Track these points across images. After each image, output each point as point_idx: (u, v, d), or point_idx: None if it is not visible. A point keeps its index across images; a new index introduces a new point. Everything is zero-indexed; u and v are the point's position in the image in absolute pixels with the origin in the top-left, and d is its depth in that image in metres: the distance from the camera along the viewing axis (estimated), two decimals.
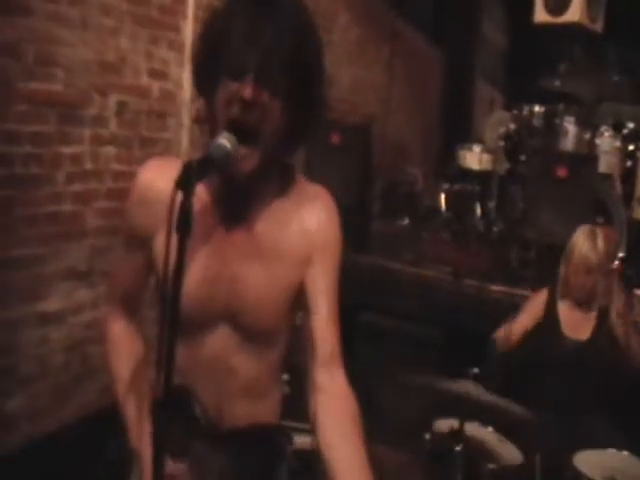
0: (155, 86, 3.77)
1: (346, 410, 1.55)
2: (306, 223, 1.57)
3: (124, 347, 1.75)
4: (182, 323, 1.36)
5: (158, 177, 1.53)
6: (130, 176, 3.58)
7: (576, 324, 3.41)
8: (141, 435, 1.64)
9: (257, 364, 1.60)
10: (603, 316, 3.37)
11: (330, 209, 1.61)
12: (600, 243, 3.28)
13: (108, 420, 3.56)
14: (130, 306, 1.74)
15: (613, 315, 3.35)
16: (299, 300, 1.59)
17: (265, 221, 1.54)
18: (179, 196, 1.26)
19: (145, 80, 3.69)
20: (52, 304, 3.26)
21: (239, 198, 1.51)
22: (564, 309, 3.44)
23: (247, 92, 1.35)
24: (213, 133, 1.42)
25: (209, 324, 1.56)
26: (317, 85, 1.52)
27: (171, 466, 1.56)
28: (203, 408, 1.60)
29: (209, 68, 1.42)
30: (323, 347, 1.56)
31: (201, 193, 1.47)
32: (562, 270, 3.40)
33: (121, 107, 3.54)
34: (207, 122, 1.47)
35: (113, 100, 3.49)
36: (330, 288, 1.58)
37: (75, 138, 3.28)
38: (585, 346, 3.34)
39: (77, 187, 3.32)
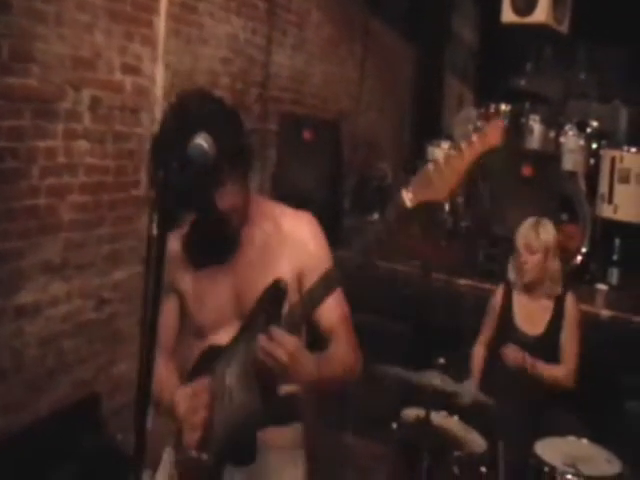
0: (128, 81, 3.79)
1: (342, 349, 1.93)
2: (292, 243, 1.94)
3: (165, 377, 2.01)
4: (202, 328, 1.97)
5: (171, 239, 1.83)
6: (103, 170, 3.65)
7: (530, 317, 3.53)
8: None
9: None
10: (558, 309, 3.49)
11: (312, 226, 2.00)
12: (542, 230, 3.48)
13: (82, 413, 3.61)
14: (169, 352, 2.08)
15: (569, 313, 3.47)
16: None
17: (256, 245, 1.94)
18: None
19: (119, 75, 3.71)
20: (27, 297, 3.27)
21: (230, 232, 1.89)
22: (518, 302, 3.57)
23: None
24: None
25: (223, 324, 1.94)
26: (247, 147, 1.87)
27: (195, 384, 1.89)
28: None
29: None
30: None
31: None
32: (513, 261, 3.56)
33: (95, 102, 3.55)
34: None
35: (87, 95, 3.50)
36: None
37: (49, 132, 3.30)
38: (538, 340, 3.47)
39: (51, 181, 3.34)
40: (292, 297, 1.87)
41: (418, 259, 4.98)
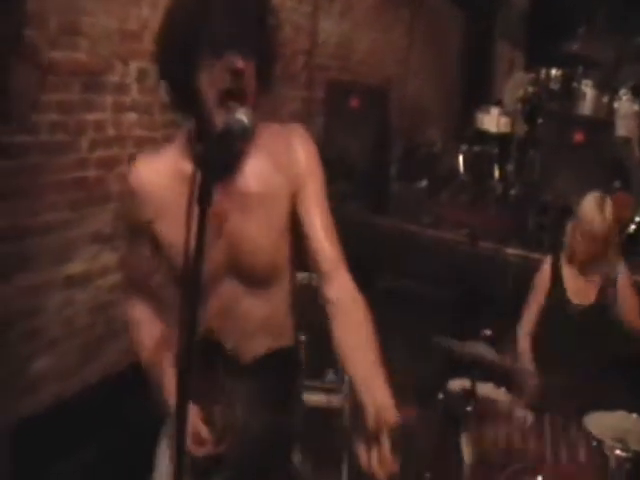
0: None
1: (356, 320, 1.66)
2: (283, 160, 1.71)
3: (145, 327, 1.92)
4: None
5: (149, 172, 1.71)
6: (152, 141, 3.67)
7: (580, 289, 3.47)
8: (171, 390, 1.70)
9: (266, 305, 1.77)
10: (607, 282, 3.43)
11: (303, 140, 1.76)
12: (608, 212, 3.32)
13: (130, 380, 3.69)
14: (144, 291, 1.90)
15: (620, 285, 3.41)
16: (296, 234, 1.73)
17: (248, 174, 1.68)
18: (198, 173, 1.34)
19: None
20: (77, 267, 3.34)
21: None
22: (568, 275, 3.50)
23: (239, 64, 1.53)
24: (197, 110, 1.60)
25: (218, 278, 1.70)
26: (275, 42, 1.66)
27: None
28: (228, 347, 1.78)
29: (182, 54, 1.57)
30: (324, 259, 1.69)
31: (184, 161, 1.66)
32: (568, 236, 3.47)
33: (142, 74, 3.58)
34: (177, 104, 1.66)
35: (134, 67, 3.53)
36: (320, 205, 1.72)
37: (98, 105, 3.34)
38: (589, 311, 3.41)
39: (100, 153, 3.38)
40: (284, 242, 1.72)
41: (466, 227, 4.94)
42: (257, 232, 1.68)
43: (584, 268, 3.45)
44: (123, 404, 3.45)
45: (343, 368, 1.66)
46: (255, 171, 1.69)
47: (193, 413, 1.72)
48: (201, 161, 1.37)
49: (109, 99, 3.40)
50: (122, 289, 2.00)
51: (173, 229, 1.62)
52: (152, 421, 3.53)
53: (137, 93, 3.57)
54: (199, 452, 1.74)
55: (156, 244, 1.74)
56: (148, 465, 3.31)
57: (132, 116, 3.55)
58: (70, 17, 3.12)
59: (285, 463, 1.86)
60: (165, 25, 1.64)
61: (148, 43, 3.58)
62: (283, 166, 1.70)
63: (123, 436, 3.35)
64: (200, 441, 1.74)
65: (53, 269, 3.22)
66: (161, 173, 1.70)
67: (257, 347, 1.80)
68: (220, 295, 1.73)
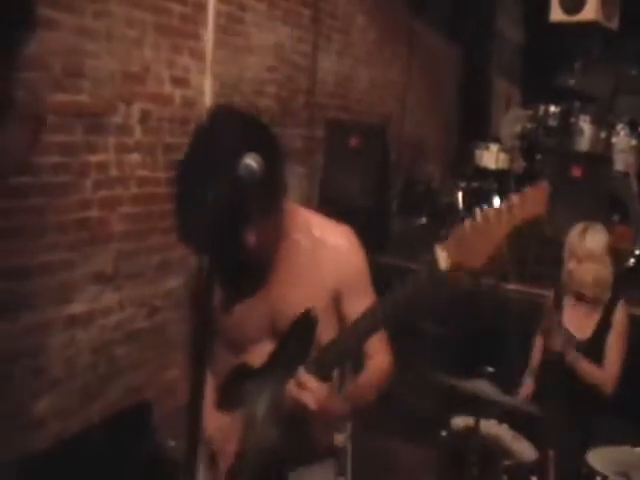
0: (177, 93, 3.86)
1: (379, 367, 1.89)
2: (330, 256, 1.86)
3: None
4: (236, 344, 1.91)
5: None
6: (154, 182, 3.71)
7: (579, 322, 3.49)
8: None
9: None
10: (607, 315, 3.44)
11: (354, 247, 1.91)
12: (589, 237, 3.41)
13: (133, 420, 3.68)
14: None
15: (615, 322, 3.42)
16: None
17: (293, 258, 1.85)
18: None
19: (167, 88, 3.78)
20: (80, 307, 3.35)
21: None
22: (568, 305, 3.53)
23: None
24: None
25: (258, 341, 1.89)
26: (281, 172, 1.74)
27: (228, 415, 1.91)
28: None
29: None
30: (370, 350, 1.88)
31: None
32: (564, 268, 3.53)
33: (145, 115, 3.63)
34: None
35: (137, 108, 3.58)
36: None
37: (101, 146, 3.38)
38: (585, 344, 3.42)
39: (103, 193, 3.42)
40: (328, 319, 1.84)
41: None
42: (298, 303, 1.79)
43: (579, 297, 3.48)
44: (125, 443, 3.44)
45: None
46: (298, 251, 1.85)
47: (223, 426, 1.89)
48: (210, 207, 1.44)
49: (112, 140, 3.45)
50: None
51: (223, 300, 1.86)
52: (156, 462, 3.53)
53: (140, 134, 3.61)
54: (226, 466, 1.88)
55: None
56: None
57: (135, 157, 3.59)
58: (73, 59, 3.18)
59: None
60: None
61: (150, 84, 3.65)
62: (326, 260, 1.85)
63: (125, 475, 3.34)
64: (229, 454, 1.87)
65: (55, 309, 3.23)
66: None
67: None
68: (254, 355, 1.88)
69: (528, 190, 1.43)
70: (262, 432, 1.84)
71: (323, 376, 1.68)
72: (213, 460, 1.95)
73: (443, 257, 1.48)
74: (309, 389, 1.65)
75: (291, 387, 1.68)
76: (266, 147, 1.62)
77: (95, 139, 3.35)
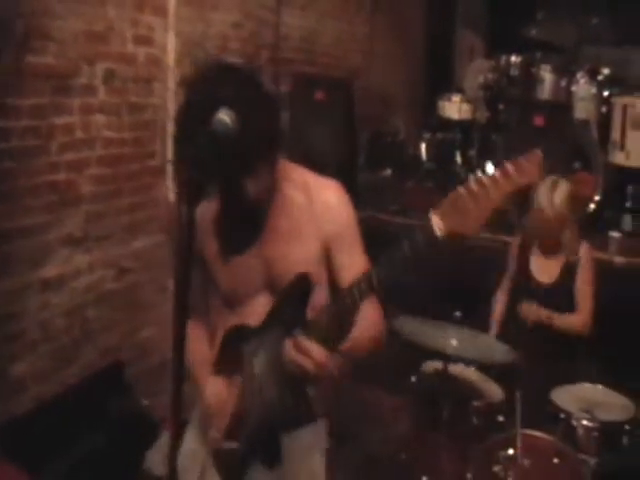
0: (141, 52, 3.83)
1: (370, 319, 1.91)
2: (317, 210, 1.90)
3: (194, 344, 2.04)
4: (231, 298, 1.96)
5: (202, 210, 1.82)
6: (120, 142, 3.71)
7: (545, 266, 3.59)
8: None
9: None
10: (571, 259, 3.55)
11: (342, 200, 1.95)
12: (558, 196, 3.46)
13: (108, 380, 3.72)
14: (197, 311, 2.05)
15: (580, 267, 3.53)
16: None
17: (281, 208, 1.90)
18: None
19: (131, 47, 3.75)
20: (52, 270, 3.37)
21: (258, 204, 1.86)
22: (534, 254, 3.63)
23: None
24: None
25: (252, 294, 1.94)
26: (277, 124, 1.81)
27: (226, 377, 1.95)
28: None
29: None
30: None
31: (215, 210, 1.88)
32: (529, 219, 3.61)
33: (109, 75, 3.60)
34: None
35: (101, 69, 3.55)
36: (358, 262, 1.89)
37: (66, 108, 3.36)
38: (552, 288, 3.54)
39: (70, 156, 3.41)
40: (320, 274, 1.89)
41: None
42: (290, 257, 1.87)
43: (546, 248, 3.58)
44: (102, 405, 3.48)
45: None
46: (290, 206, 1.90)
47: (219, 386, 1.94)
48: (188, 160, 1.47)
49: (77, 102, 3.42)
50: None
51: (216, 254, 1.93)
52: (131, 421, 3.58)
53: (104, 94, 3.59)
54: (222, 428, 1.92)
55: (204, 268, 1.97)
56: (129, 463, 3.37)
57: (100, 118, 3.58)
58: (38, 21, 3.14)
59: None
60: None
61: (114, 44, 3.62)
62: (317, 215, 1.90)
63: (103, 436, 3.39)
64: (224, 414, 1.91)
65: (30, 272, 3.25)
66: (206, 215, 1.90)
67: None
68: (251, 310, 1.93)
69: (522, 158, 1.47)
70: (261, 393, 1.86)
71: (321, 339, 1.70)
72: (209, 423, 1.98)
73: (438, 223, 1.50)
74: (308, 353, 1.67)
75: (290, 350, 1.70)
76: (248, 102, 1.64)
77: (61, 101, 3.33)
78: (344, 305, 1.68)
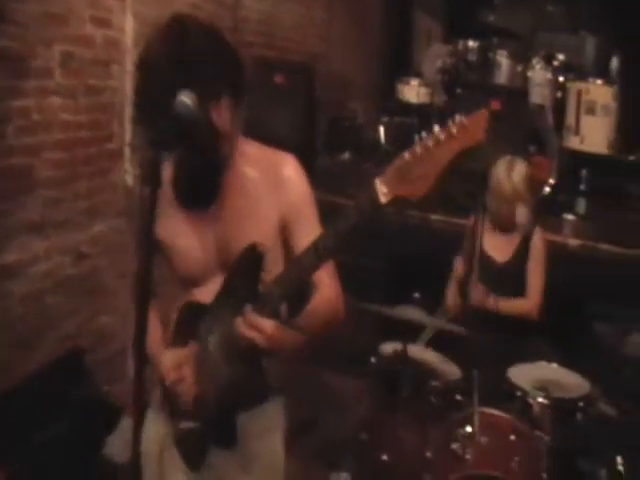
0: (99, 34, 3.78)
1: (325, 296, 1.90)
2: (273, 184, 1.87)
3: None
4: (187, 279, 1.93)
5: None
6: (77, 125, 3.66)
7: (499, 246, 3.67)
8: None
9: None
10: (525, 240, 3.64)
11: (297, 172, 1.91)
12: (516, 174, 3.55)
13: (68, 367, 3.68)
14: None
15: (533, 246, 3.61)
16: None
17: (237, 184, 1.86)
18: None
19: (89, 29, 3.70)
20: (10, 257, 3.31)
21: (212, 175, 1.83)
22: (488, 232, 3.70)
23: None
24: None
25: (208, 275, 1.90)
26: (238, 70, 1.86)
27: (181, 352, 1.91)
28: None
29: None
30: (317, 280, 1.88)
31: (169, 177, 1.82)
32: (487, 199, 3.68)
33: (66, 57, 3.55)
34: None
35: (58, 51, 3.49)
36: (311, 234, 1.80)
37: (22, 91, 3.30)
38: (504, 267, 3.63)
39: (27, 140, 3.35)
40: (277, 251, 1.87)
41: None
42: (246, 237, 1.81)
43: (502, 226, 3.65)
44: (62, 392, 3.45)
45: None
46: (245, 182, 1.86)
47: (176, 354, 1.90)
48: (148, 142, 1.47)
49: (33, 84, 3.36)
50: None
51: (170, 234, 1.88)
52: (92, 407, 3.56)
53: (61, 77, 3.53)
54: (180, 390, 1.87)
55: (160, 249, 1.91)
56: (91, 449, 3.36)
57: (56, 100, 3.52)
58: None
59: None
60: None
61: (72, 26, 3.57)
62: (273, 189, 1.86)
63: (65, 423, 3.36)
64: (180, 378, 1.86)
65: None
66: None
67: None
68: (208, 291, 1.89)
69: (466, 118, 1.41)
70: (215, 369, 1.83)
71: (271, 312, 1.69)
72: (166, 400, 1.97)
73: (382, 191, 1.49)
74: (257, 326, 1.66)
75: (240, 325, 1.69)
76: (207, 83, 1.67)
77: (17, 84, 3.27)
78: (294, 275, 1.67)
